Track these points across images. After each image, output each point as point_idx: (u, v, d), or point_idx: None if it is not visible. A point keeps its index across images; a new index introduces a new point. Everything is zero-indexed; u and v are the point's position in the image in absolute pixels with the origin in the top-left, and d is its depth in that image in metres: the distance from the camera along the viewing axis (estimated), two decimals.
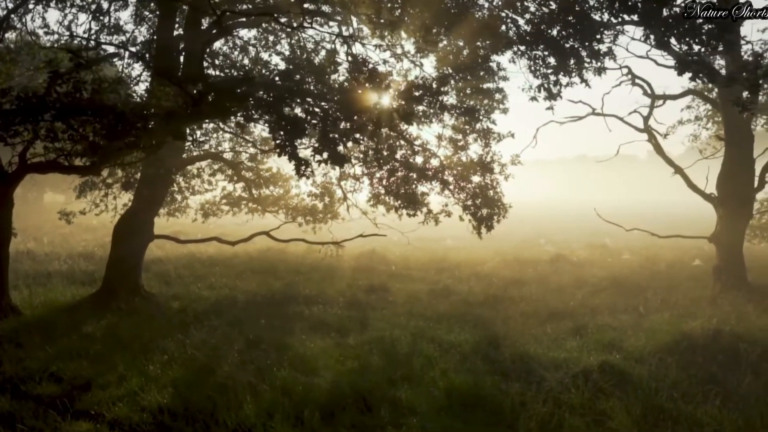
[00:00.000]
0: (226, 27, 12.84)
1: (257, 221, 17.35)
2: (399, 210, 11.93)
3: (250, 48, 15.86)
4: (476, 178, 11.86)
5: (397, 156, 11.68)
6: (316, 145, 6.43)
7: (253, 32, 15.55)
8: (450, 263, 17.05)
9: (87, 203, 15.16)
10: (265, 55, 15.67)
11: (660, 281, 13.85)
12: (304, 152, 8.56)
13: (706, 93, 15.51)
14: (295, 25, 9.03)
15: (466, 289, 13.31)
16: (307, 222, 16.37)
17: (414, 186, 11.96)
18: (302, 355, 7.91)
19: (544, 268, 15.91)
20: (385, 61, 10.13)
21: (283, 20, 9.34)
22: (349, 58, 12.18)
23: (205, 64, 14.22)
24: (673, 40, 7.02)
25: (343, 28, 14.41)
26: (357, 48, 14.51)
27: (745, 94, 13.75)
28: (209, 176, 15.90)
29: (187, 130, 11.73)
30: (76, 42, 11.63)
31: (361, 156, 12.43)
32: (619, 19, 7.28)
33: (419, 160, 12.59)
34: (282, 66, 12.90)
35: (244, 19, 11.42)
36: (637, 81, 14.70)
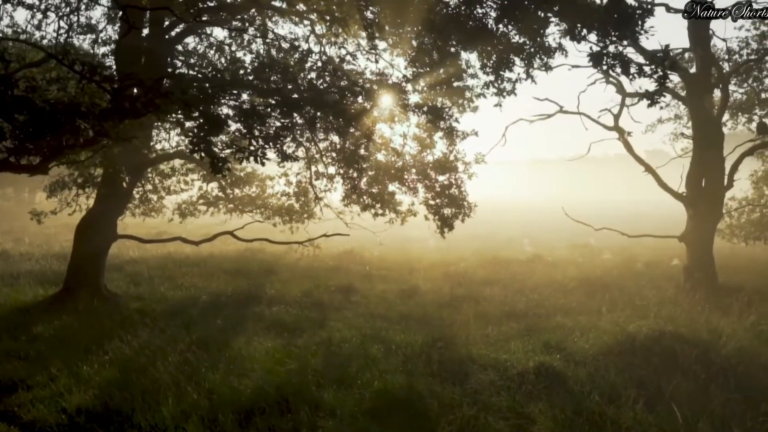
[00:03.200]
0: (193, 25, 12.77)
1: (236, 221, 17.24)
2: (368, 209, 11.86)
3: (225, 47, 15.83)
4: (441, 177, 11.75)
5: (362, 153, 11.58)
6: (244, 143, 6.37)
7: (226, 31, 15.52)
8: (425, 263, 16.91)
9: (58, 203, 15.09)
10: (240, 54, 15.64)
11: (632, 281, 13.66)
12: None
13: (683, 92, 15.30)
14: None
15: (433, 289, 13.19)
16: (284, 222, 16.27)
17: (384, 184, 11.86)
18: (244, 356, 7.81)
19: (517, 269, 15.73)
20: (342, 60, 10.01)
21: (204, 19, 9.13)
22: (316, 57, 12.12)
23: (179, 63, 14.20)
24: (586, 33, 6.88)
25: (316, 28, 14.39)
26: (332, 48, 14.45)
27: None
28: (182, 175, 15.80)
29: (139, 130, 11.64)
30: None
31: (334, 155, 12.35)
32: (540, 12, 7.14)
33: (385, 158, 12.52)
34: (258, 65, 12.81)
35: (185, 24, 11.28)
36: (610, 79, 14.56)
